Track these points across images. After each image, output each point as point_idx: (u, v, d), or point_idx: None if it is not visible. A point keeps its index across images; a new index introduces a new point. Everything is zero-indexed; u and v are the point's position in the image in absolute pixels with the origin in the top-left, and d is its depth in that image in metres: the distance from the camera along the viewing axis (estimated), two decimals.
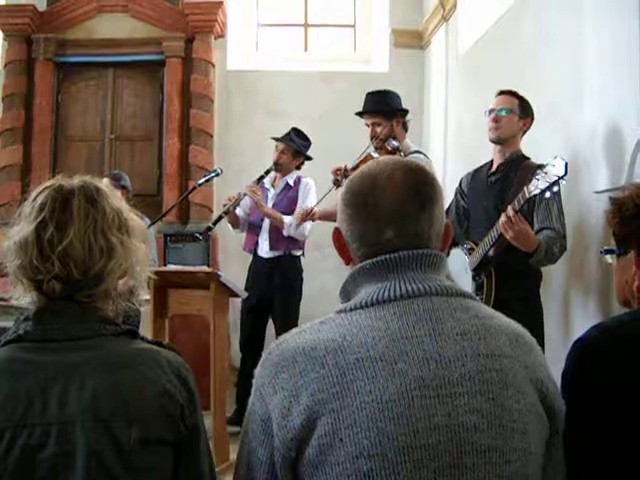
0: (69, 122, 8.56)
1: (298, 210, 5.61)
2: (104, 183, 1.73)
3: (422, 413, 1.29)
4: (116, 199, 1.70)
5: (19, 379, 1.50)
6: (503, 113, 3.99)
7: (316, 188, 5.87)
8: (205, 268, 5.15)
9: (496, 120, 4.00)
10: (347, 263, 1.58)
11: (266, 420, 1.38)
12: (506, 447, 1.31)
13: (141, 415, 1.49)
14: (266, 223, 5.80)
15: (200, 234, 5.78)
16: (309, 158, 5.96)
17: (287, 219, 5.67)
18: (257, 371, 1.46)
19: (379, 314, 1.40)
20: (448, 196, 4.17)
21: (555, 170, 3.25)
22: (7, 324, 6.88)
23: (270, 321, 5.91)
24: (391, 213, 1.47)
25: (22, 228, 1.62)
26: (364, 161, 4.70)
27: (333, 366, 1.33)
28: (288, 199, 5.84)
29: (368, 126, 5.05)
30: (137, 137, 8.51)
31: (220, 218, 5.71)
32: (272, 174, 5.92)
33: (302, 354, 1.37)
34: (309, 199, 5.80)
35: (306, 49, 8.92)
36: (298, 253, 5.86)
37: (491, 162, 4.16)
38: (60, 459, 1.44)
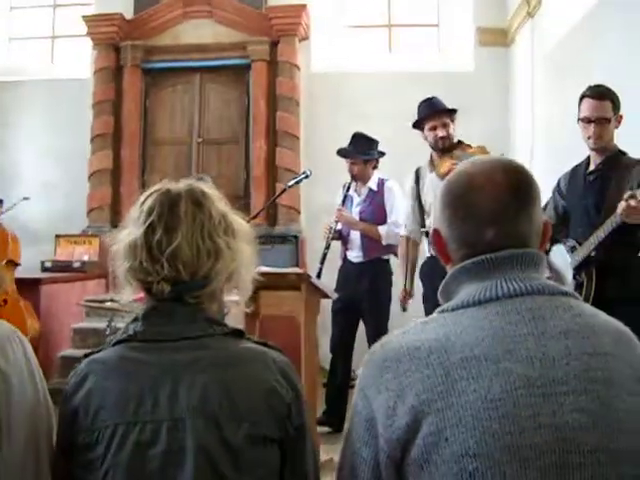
0: (157, 127, 8.80)
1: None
2: (209, 186, 1.76)
3: (527, 412, 1.26)
4: (221, 202, 1.73)
5: (130, 377, 1.55)
6: (602, 123, 3.81)
7: (398, 187, 5.74)
8: (296, 269, 5.16)
9: (596, 132, 3.82)
10: (446, 263, 1.57)
11: (370, 420, 1.37)
12: (612, 447, 1.27)
13: (249, 413, 1.52)
14: (354, 235, 5.81)
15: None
16: (382, 154, 5.89)
17: (382, 230, 5.67)
18: (360, 371, 1.45)
19: (482, 313, 1.38)
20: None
21: None
22: (100, 325, 7.08)
23: (361, 323, 5.86)
24: (491, 213, 1.45)
25: (131, 231, 1.66)
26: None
27: (438, 366, 1.31)
28: (374, 205, 5.78)
29: (434, 129, 4.92)
30: (224, 140, 8.67)
31: (325, 255, 5.71)
32: (353, 183, 5.89)
33: (406, 354, 1.36)
34: (396, 206, 5.71)
35: (390, 50, 8.91)
36: (387, 257, 5.83)
37: (587, 160, 4.03)
38: (170, 455, 1.47)
